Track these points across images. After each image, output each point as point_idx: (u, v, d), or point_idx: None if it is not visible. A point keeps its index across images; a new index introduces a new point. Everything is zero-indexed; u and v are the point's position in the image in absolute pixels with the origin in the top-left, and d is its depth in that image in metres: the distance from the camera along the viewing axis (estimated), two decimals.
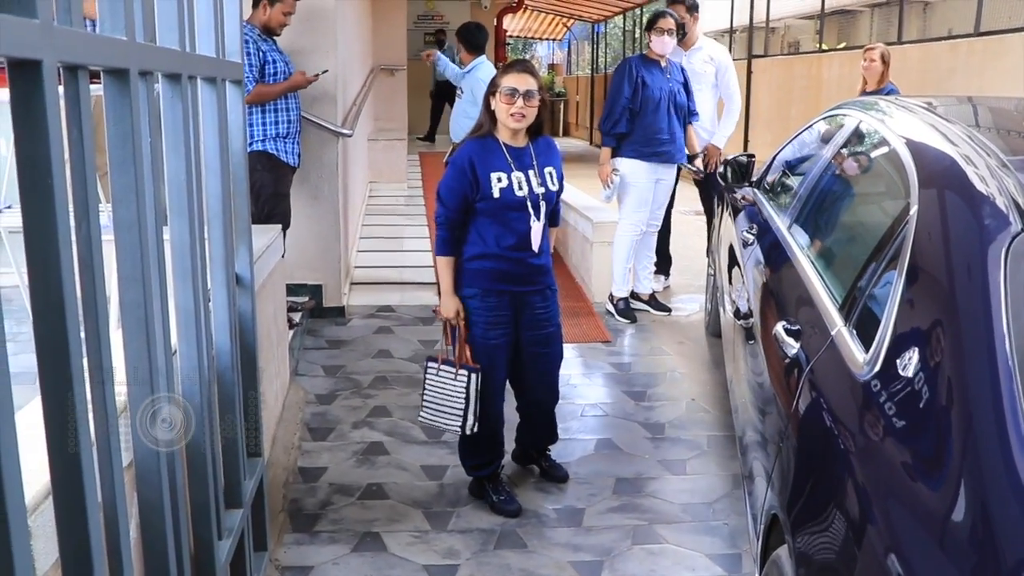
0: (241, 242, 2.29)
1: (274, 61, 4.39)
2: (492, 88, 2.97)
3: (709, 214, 5.92)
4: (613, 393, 4.33)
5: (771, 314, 2.69)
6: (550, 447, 3.47)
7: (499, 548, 2.99)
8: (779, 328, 2.35)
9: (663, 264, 6.06)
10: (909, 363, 1.61)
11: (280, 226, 4.00)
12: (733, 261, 3.80)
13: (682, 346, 5.05)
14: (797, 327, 2.29)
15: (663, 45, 5.15)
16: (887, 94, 5.43)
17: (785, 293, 2.72)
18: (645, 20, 4.99)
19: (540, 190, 3.00)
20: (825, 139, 3.41)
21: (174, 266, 1.74)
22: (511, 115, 2.91)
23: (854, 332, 1.94)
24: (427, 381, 3.07)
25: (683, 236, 6.59)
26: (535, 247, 3.00)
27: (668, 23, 5.13)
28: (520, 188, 2.97)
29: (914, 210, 1.92)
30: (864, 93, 5.70)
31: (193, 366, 1.80)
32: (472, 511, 3.20)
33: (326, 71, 4.75)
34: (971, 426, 1.40)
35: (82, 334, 1.17)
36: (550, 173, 3.04)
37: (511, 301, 3.06)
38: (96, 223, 1.23)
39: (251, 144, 4.33)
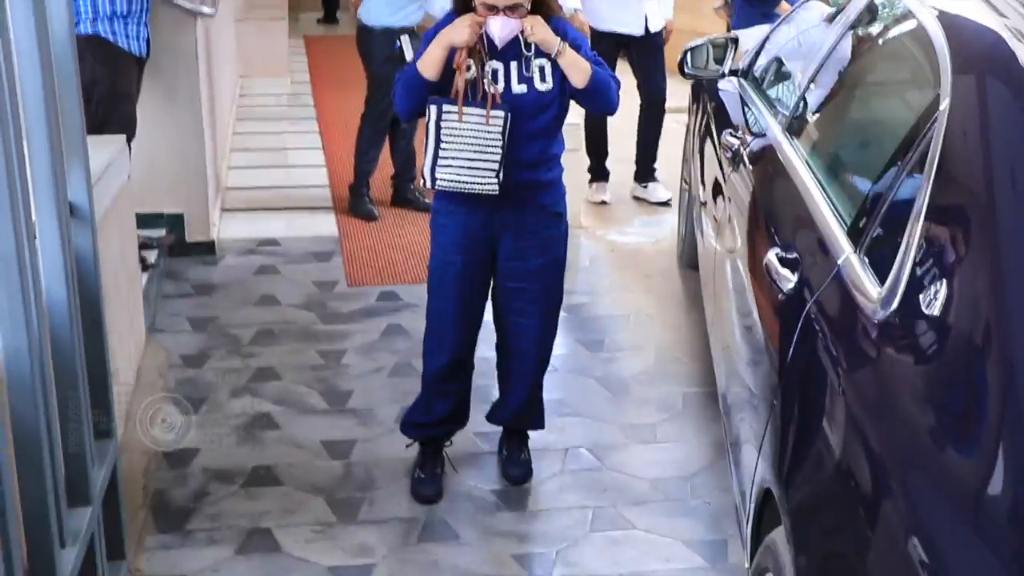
0: (74, 160, 2.23)
1: None
2: None
3: (654, 100, 6.11)
4: (563, 342, 4.34)
5: (762, 239, 2.73)
6: (529, 432, 3.44)
7: (424, 541, 3.03)
8: (771, 256, 2.38)
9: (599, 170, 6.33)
10: (935, 299, 1.64)
11: (123, 137, 3.89)
12: (713, 173, 3.83)
13: (650, 281, 5.11)
14: (794, 255, 2.33)
15: None
16: None
17: (779, 212, 2.76)
18: None
19: (520, 89, 3.00)
20: (830, 14, 3.43)
21: None
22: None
23: (866, 260, 1.97)
24: (442, 131, 3.01)
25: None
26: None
27: None
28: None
29: (945, 103, 1.94)
30: None
31: (18, 325, 1.75)
32: (389, 495, 3.23)
33: (141, 26, 4.49)
34: (1012, 378, 1.44)
35: None
36: (540, 67, 3.02)
37: (485, 221, 3.09)
38: None
39: (76, 26, 4.17)
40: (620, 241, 5.69)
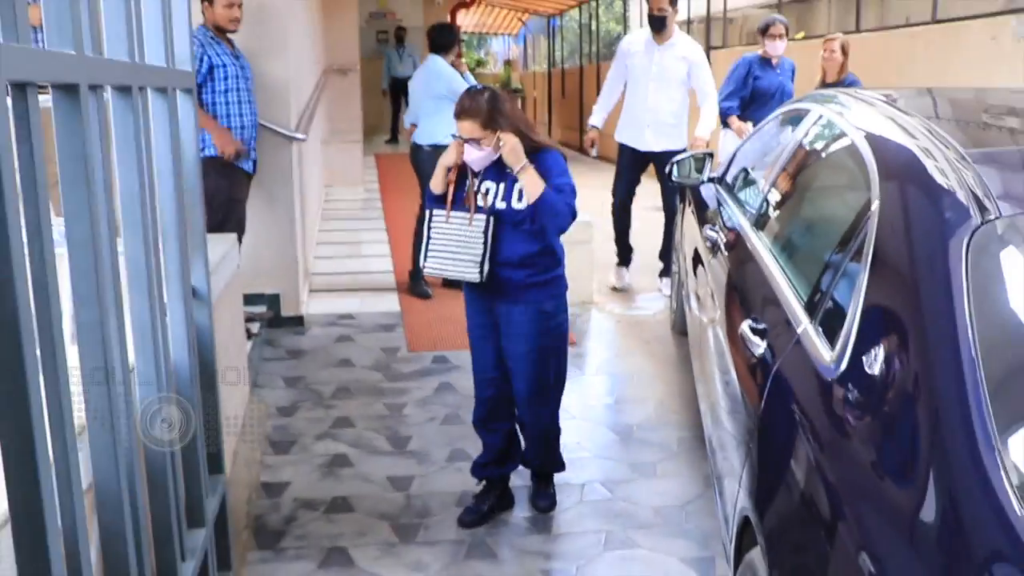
0: (196, 254, 2.28)
1: (224, 64, 4.35)
2: None
3: (668, 212, 6.04)
4: (580, 397, 4.36)
5: (737, 313, 2.74)
6: (553, 473, 3.41)
7: (469, 559, 3.00)
8: (745, 327, 2.39)
9: (625, 255, 6.24)
10: (875, 360, 1.65)
11: (235, 235, 3.97)
12: (697, 258, 3.85)
13: (649, 346, 5.10)
14: (763, 326, 2.33)
15: (775, 48, 6.01)
16: (848, 85, 5.52)
17: (750, 291, 2.77)
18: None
19: (501, 205, 3.01)
20: (785, 134, 3.47)
21: (129, 281, 1.74)
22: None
23: (820, 330, 1.97)
24: (432, 230, 3.05)
25: (647, 234, 6.65)
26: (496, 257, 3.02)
27: (779, 29, 6.02)
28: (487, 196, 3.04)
29: (876, 204, 1.97)
30: (824, 85, 5.79)
31: (152, 384, 1.79)
32: (441, 522, 3.22)
33: (250, 150, 4.57)
34: (937, 422, 1.44)
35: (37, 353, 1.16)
36: (520, 190, 2.99)
37: (486, 305, 3.13)
38: (49, 241, 1.23)
39: (203, 149, 4.29)
40: (625, 314, 5.71)
